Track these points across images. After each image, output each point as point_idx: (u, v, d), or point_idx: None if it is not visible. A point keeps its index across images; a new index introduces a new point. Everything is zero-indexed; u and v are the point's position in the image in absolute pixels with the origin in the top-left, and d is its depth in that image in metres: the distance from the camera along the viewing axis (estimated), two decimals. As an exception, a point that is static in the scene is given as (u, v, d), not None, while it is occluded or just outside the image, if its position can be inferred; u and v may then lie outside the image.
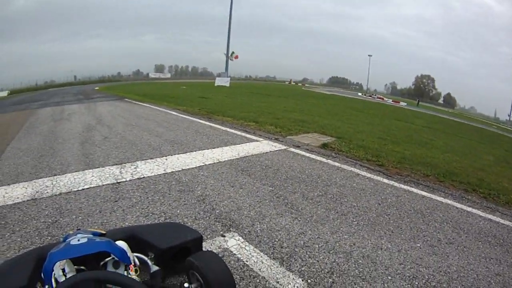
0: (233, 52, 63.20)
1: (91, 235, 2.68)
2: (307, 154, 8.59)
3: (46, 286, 2.18)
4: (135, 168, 7.70)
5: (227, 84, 50.56)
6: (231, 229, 4.88)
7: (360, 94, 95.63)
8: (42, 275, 2.25)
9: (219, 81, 53.55)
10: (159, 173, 7.30)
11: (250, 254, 4.31)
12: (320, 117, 17.01)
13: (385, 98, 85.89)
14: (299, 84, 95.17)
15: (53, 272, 2.19)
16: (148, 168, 7.68)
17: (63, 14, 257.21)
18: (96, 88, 53.50)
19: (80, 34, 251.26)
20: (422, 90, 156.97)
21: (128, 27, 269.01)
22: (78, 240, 2.30)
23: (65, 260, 2.27)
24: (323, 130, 11.89)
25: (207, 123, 13.38)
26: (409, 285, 3.95)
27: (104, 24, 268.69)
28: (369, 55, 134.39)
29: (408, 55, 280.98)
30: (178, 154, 8.76)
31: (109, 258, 2.43)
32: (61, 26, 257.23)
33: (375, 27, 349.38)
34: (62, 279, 2.16)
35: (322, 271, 4.11)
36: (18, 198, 6.57)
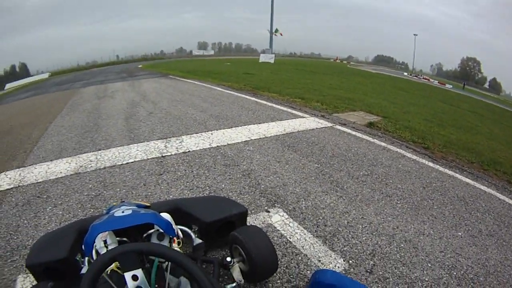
0: (277, 29, 62.65)
1: (135, 207, 2.69)
2: (353, 133, 8.45)
3: (87, 258, 2.19)
4: (180, 142, 7.72)
5: (272, 61, 50.01)
6: (275, 204, 4.82)
7: (406, 74, 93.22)
8: (82, 247, 2.26)
9: (263, 58, 53.12)
10: (205, 147, 7.31)
11: (294, 231, 4.25)
12: (366, 95, 16.73)
13: (431, 79, 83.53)
14: (344, 62, 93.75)
15: (95, 244, 2.19)
16: (193, 142, 7.69)
17: None
18: (139, 66, 54.24)
19: (121, 15, 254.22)
20: (468, 73, 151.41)
21: (169, 6, 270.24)
22: (123, 212, 2.29)
23: (107, 232, 2.27)
24: (369, 109, 11.67)
25: (252, 98, 13.28)
26: (447, 275, 3.78)
27: (145, 3, 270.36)
28: (414, 34, 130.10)
29: (455, 36, 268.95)
30: (224, 129, 8.72)
31: (153, 230, 2.42)
32: (102, 8, 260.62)
33: (422, 4, 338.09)
34: (104, 250, 2.16)
35: (364, 253, 4.00)
36: (61, 173, 6.75)
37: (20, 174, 7.19)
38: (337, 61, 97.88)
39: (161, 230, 2.36)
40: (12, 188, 6.51)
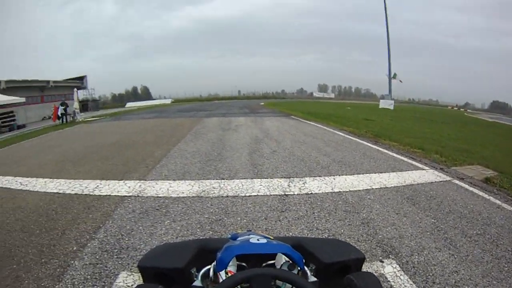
0: (395, 74, 61.33)
1: (263, 237, 2.84)
2: (470, 188, 8.15)
3: (219, 273, 2.36)
4: (303, 183, 7.81)
5: (391, 107, 48.95)
6: (390, 256, 4.73)
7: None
8: (202, 263, 2.43)
9: (383, 104, 52.23)
10: (327, 191, 7.32)
11: (403, 284, 4.13)
12: (483, 147, 16.02)
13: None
14: (462, 110, 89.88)
15: (229, 263, 2.36)
16: (316, 185, 7.74)
17: (226, 34, 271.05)
18: (261, 103, 55.90)
19: (243, 53, 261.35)
20: None
21: (288, 46, 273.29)
22: (258, 240, 2.48)
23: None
24: (486, 163, 11.22)
25: (374, 146, 13.10)
26: None
27: (266, 44, 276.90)
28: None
29: None
30: (346, 175, 8.69)
31: (272, 261, 2.56)
32: (225, 45, 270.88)
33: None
34: (233, 270, 2.33)
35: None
36: (183, 193, 7.22)
37: (140, 185, 7.89)
38: (455, 108, 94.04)
39: (291, 262, 2.52)
40: (130, 196, 7.22)
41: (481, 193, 7.62)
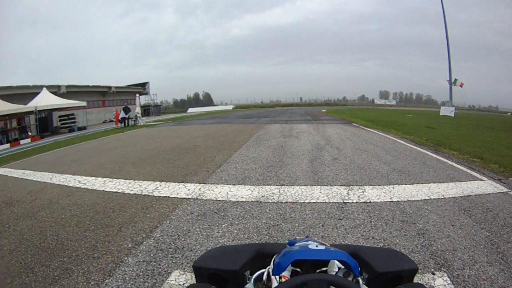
0: (456, 79, 59.39)
1: (321, 244, 2.93)
2: None
3: (274, 277, 2.47)
4: (362, 192, 7.87)
5: (452, 114, 47.51)
6: (442, 268, 4.69)
7: None
8: (257, 267, 2.54)
9: (444, 111, 50.85)
10: (385, 201, 7.34)
11: None
12: None
13: None
14: None
15: (286, 268, 2.48)
16: (375, 193, 7.77)
17: (287, 41, 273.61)
18: (323, 110, 55.73)
19: (303, 59, 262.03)
20: None
21: (349, 53, 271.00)
22: (316, 246, 2.56)
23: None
24: None
25: (434, 155, 12.89)
26: None
27: (326, 50, 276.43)
28: None
29: None
30: (405, 184, 8.66)
31: (325, 268, 2.65)
32: (285, 52, 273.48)
33: None
34: (287, 275, 2.46)
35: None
36: (242, 197, 7.46)
37: (200, 188, 8.21)
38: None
39: (347, 269, 2.63)
40: (189, 198, 7.54)
41: (538, 206, 7.51)
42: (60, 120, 42.53)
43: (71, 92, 46.18)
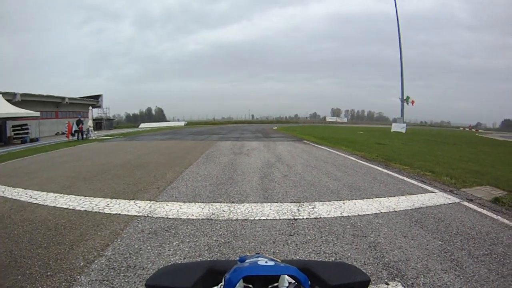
0: (408, 97, 61.08)
1: (271, 260, 2.82)
2: (479, 209, 8.09)
3: None
4: (312, 208, 7.88)
5: (403, 130, 49.00)
6: (396, 278, 4.74)
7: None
8: (209, 285, 2.44)
9: (395, 127, 52.41)
10: (336, 216, 7.38)
11: None
12: (493, 167, 15.84)
13: None
14: (473, 130, 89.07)
15: (237, 285, 2.35)
16: (325, 209, 7.80)
17: (241, 58, 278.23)
18: (274, 128, 56.55)
19: (257, 76, 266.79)
20: None
21: (303, 71, 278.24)
22: (266, 262, 2.47)
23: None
24: (496, 183, 11.12)
25: (384, 170, 13.20)
26: None
27: (279, 68, 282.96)
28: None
29: None
30: (356, 199, 8.74)
31: (276, 284, 2.56)
32: (239, 69, 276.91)
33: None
34: None
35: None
36: (193, 215, 7.36)
37: (150, 206, 8.07)
38: (466, 129, 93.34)
39: (297, 284, 2.53)
40: (140, 216, 7.38)
41: (489, 214, 7.65)
42: (13, 130, 41.49)
43: (25, 101, 44.80)
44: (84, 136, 37.72)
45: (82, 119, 39.75)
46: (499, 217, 7.44)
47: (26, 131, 41.01)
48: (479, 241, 6.09)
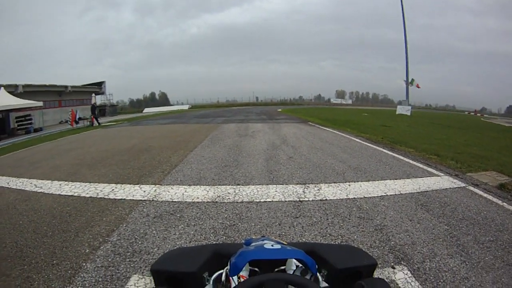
0: (413, 79, 60.43)
1: (277, 243, 2.80)
2: (484, 195, 8.04)
3: (231, 278, 2.34)
4: (318, 190, 7.85)
5: (408, 113, 48.36)
6: (402, 262, 4.75)
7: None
8: (215, 268, 2.43)
9: (400, 110, 51.80)
10: (341, 198, 7.35)
11: None
12: (499, 153, 15.72)
13: None
14: (478, 115, 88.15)
15: (243, 268, 2.35)
16: (331, 191, 7.77)
17: (244, 41, 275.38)
18: (278, 110, 56.15)
19: (260, 59, 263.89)
20: None
21: (306, 53, 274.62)
22: (272, 245, 2.45)
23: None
24: (502, 169, 11.04)
25: (390, 152, 13.11)
26: None
27: (283, 50, 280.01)
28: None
29: None
30: (361, 181, 8.70)
31: (284, 267, 2.54)
32: (243, 52, 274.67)
33: None
34: (245, 275, 2.32)
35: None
36: (198, 198, 7.36)
37: (155, 190, 8.07)
38: (471, 113, 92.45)
39: (304, 267, 2.51)
40: (145, 200, 7.38)
41: (495, 199, 7.57)
42: (16, 122, 41.46)
43: (28, 91, 44.73)
44: (96, 122, 37.72)
45: (96, 105, 39.95)
46: (504, 203, 7.37)
47: (29, 121, 40.90)
48: (484, 227, 6.04)
